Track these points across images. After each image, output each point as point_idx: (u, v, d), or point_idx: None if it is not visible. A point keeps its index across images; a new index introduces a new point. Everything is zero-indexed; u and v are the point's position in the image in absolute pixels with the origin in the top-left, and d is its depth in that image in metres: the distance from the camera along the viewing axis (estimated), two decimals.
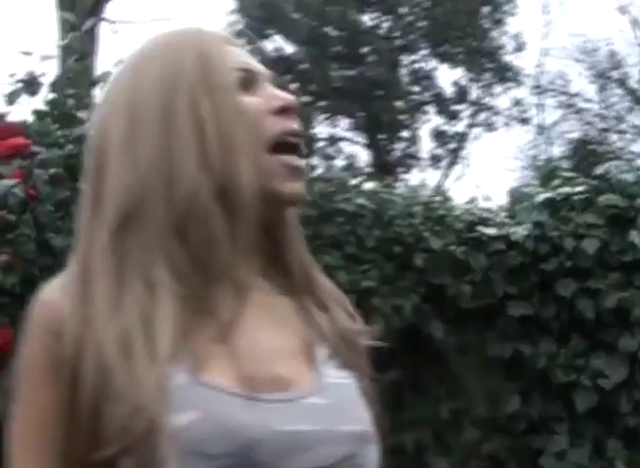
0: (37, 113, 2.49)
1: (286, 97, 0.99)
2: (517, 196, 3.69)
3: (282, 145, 0.98)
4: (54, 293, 0.96)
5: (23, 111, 2.72)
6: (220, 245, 0.93)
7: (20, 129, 2.48)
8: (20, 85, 2.65)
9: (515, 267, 3.42)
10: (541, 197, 3.52)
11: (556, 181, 3.61)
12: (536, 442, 3.36)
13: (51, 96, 2.54)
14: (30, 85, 2.57)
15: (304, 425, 0.90)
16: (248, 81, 0.98)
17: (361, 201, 3.66)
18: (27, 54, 2.64)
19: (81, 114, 2.59)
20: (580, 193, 3.47)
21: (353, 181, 4.01)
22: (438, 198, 3.91)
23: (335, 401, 0.95)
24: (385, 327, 3.45)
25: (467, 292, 3.49)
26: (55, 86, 2.57)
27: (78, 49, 2.87)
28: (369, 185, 3.96)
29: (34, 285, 2.26)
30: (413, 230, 3.59)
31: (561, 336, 3.37)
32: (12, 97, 2.62)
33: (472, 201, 3.97)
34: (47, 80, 2.70)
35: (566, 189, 3.50)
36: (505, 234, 3.47)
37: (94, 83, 2.81)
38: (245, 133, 0.95)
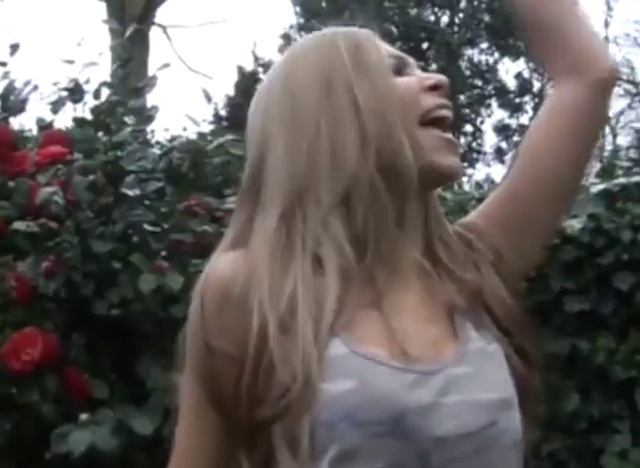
0: (77, 121, 2.51)
1: (437, 76, 1.06)
2: None
3: (434, 120, 1.03)
4: (225, 267, 0.98)
5: (69, 119, 2.74)
6: (388, 223, 0.99)
7: (64, 137, 2.50)
8: (64, 93, 2.67)
9: (571, 262, 3.33)
10: (597, 189, 3.43)
11: (617, 172, 3.52)
12: (597, 441, 3.27)
13: (93, 103, 2.56)
14: (73, 93, 2.59)
15: (450, 395, 0.95)
16: (400, 66, 1.05)
17: None
18: (70, 62, 2.65)
19: (124, 120, 2.60)
20: (638, 184, 3.37)
21: None
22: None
23: (477, 369, 0.99)
24: None
25: (522, 289, 3.42)
26: (97, 93, 2.58)
27: (121, 55, 2.88)
28: None
29: (77, 291, 2.28)
30: None
31: (620, 331, 3.28)
32: (56, 106, 2.64)
33: None
34: (91, 87, 2.71)
35: (622, 180, 3.40)
36: (560, 228, 3.39)
37: (138, 89, 2.81)
38: (401, 109, 1.00)
